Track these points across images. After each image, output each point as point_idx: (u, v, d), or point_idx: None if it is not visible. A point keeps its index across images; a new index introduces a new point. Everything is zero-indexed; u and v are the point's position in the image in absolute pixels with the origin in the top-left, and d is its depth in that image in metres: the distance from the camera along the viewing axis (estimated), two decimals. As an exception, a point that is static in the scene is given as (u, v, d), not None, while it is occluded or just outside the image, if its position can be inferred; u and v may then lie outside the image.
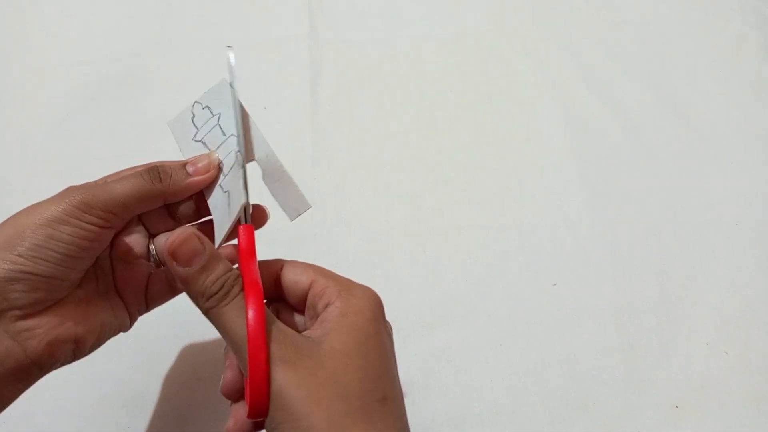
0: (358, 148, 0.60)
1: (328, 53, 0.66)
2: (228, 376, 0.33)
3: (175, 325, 0.49)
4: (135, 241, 0.37)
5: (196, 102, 0.37)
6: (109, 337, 0.36)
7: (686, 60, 0.67)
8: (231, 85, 0.36)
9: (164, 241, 0.37)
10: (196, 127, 0.37)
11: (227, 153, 0.35)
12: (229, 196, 0.34)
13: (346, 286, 0.33)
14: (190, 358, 0.48)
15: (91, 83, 0.63)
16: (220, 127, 0.36)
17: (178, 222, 0.37)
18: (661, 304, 0.52)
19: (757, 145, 0.61)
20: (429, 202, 0.57)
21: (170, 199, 0.35)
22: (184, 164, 0.35)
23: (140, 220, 0.37)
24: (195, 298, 0.31)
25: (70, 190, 0.32)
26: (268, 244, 0.54)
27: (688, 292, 0.52)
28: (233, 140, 0.35)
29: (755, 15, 0.70)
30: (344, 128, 0.61)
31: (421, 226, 0.56)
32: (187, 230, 0.31)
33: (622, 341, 0.50)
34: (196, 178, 0.35)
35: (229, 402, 0.34)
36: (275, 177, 0.35)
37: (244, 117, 0.35)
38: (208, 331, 0.46)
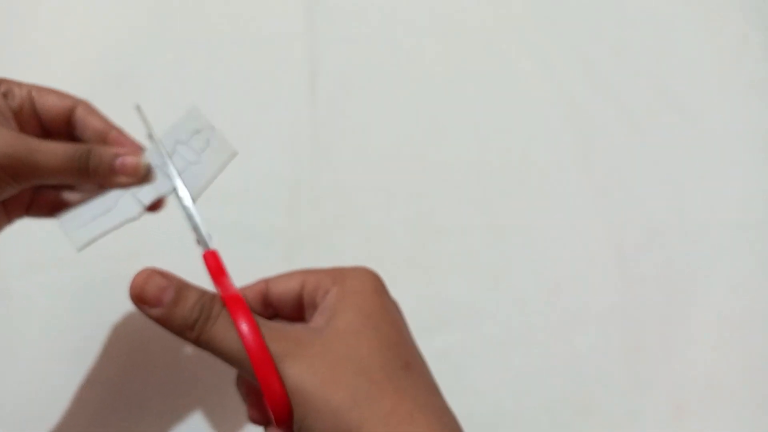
0: (358, 147, 0.60)
1: (327, 50, 0.65)
2: (251, 405, 0.33)
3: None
4: None
5: (208, 126, 0.37)
6: None
7: (688, 60, 0.66)
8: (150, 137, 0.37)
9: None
10: (180, 138, 0.37)
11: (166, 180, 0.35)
12: (131, 199, 0.35)
13: (339, 272, 0.32)
14: (189, 359, 0.48)
15: (90, 83, 0.63)
16: (190, 150, 0.36)
17: None
18: (664, 305, 0.51)
19: (759, 145, 0.60)
20: (430, 202, 0.57)
21: (85, 182, 0.35)
22: (115, 154, 0.34)
23: None
24: (180, 334, 0.30)
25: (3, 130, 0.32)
26: (267, 245, 0.54)
27: (691, 294, 0.52)
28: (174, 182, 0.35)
29: (756, 15, 0.70)
30: (344, 127, 0.61)
31: (421, 226, 0.55)
32: (144, 271, 0.30)
33: (625, 343, 0.50)
34: (119, 179, 0.34)
35: (235, 397, 0.33)
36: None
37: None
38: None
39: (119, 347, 0.48)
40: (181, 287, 0.30)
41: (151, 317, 0.30)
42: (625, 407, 0.47)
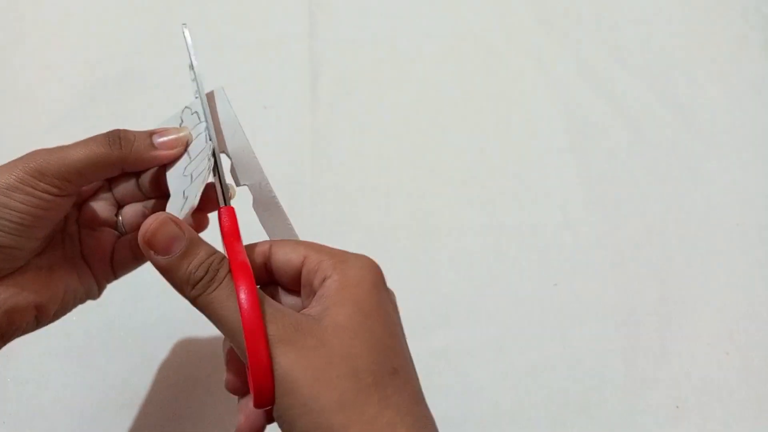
0: (358, 147, 0.60)
1: (328, 52, 0.65)
2: (231, 371, 0.32)
3: (173, 326, 0.49)
4: (102, 208, 0.36)
5: (186, 107, 0.36)
6: (75, 305, 0.35)
7: (687, 60, 0.66)
8: (191, 66, 0.34)
9: (131, 211, 0.37)
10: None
11: (204, 158, 0.34)
12: (191, 178, 0.33)
13: (340, 257, 0.31)
14: (189, 359, 0.48)
15: (90, 83, 0.63)
16: (207, 132, 0.34)
17: (144, 194, 0.36)
18: (662, 304, 0.52)
19: (758, 145, 0.61)
20: (429, 202, 0.57)
21: (129, 168, 0.33)
22: (150, 133, 0.34)
23: (110, 187, 0.36)
24: (180, 288, 0.29)
25: (28, 156, 0.31)
26: (267, 245, 0.54)
27: (689, 293, 0.52)
28: (212, 147, 0.34)
29: (756, 15, 0.70)
30: (344, 128, 0.61)
31: (421, 226, 0.55)
32: (160, 216, 0.29)
33: (623, 342, 0.50)
34: (160, 152, 0.33)
35: (235, 399, 0.33)
36: (265, 206, 0.34)
37: (233, 130, 0.34)
38: (206, 331, 0.46)
39: (120, 348, 0.48)
40: (193, 241, 0.29)
41: (154, 264, 0.29)
42: (623, 405, 0.47)
